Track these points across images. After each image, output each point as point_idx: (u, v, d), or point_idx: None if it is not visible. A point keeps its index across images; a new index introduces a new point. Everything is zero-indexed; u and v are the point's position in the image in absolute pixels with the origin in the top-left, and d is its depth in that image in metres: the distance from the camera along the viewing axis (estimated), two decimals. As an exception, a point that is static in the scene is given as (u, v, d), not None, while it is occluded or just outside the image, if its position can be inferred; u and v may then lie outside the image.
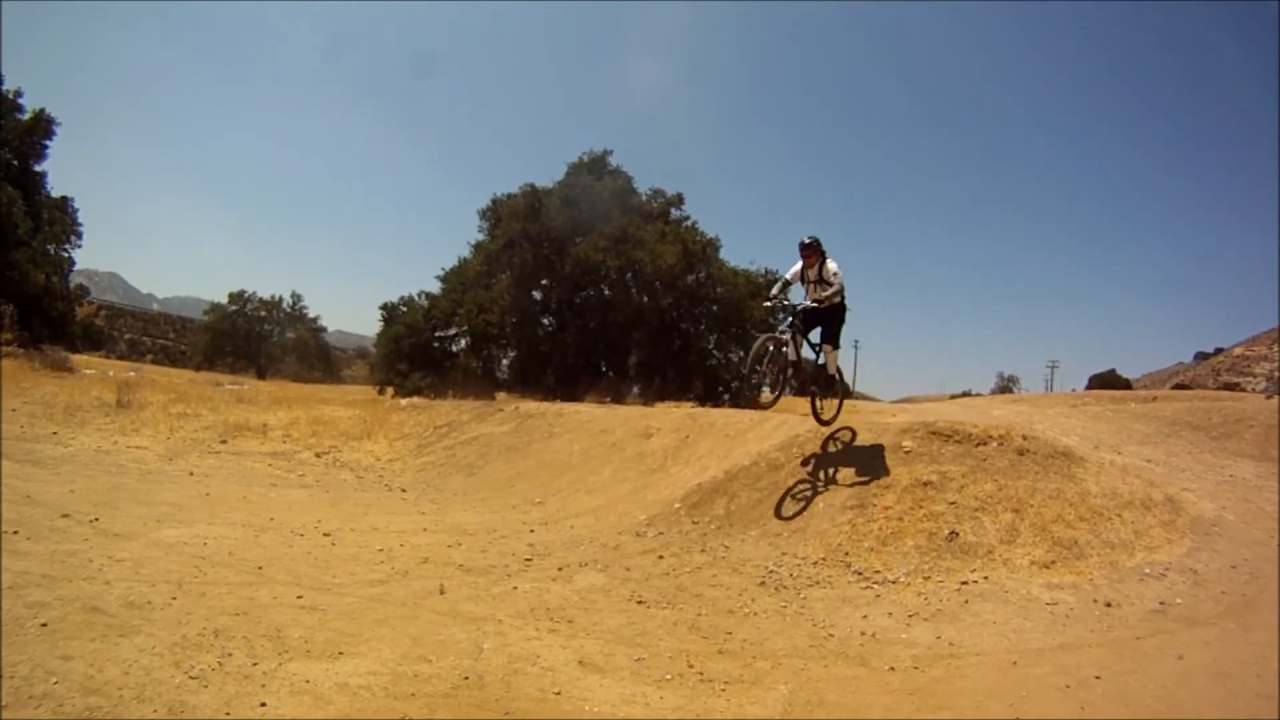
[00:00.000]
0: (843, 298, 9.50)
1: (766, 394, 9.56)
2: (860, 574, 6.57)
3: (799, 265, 9.55)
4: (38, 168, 29.43)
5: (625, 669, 4.79)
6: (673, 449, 11.08)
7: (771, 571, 6.81)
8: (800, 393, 10.24)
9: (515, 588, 6.32)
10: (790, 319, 9.60)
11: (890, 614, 5.86)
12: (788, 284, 9.71)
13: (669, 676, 4.70)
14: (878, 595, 6.20)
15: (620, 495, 9.91)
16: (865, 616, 5.83)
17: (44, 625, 4.49)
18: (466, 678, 4.44)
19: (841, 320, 9.80)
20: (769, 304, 9.93)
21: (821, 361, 9.89)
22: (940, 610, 5.88)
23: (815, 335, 9.86)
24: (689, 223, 30.08)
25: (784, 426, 10.31)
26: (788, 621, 5.79)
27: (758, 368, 9.21)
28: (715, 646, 5.26)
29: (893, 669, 4.97)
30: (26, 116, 28.98)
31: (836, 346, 9.88)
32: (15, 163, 28.37)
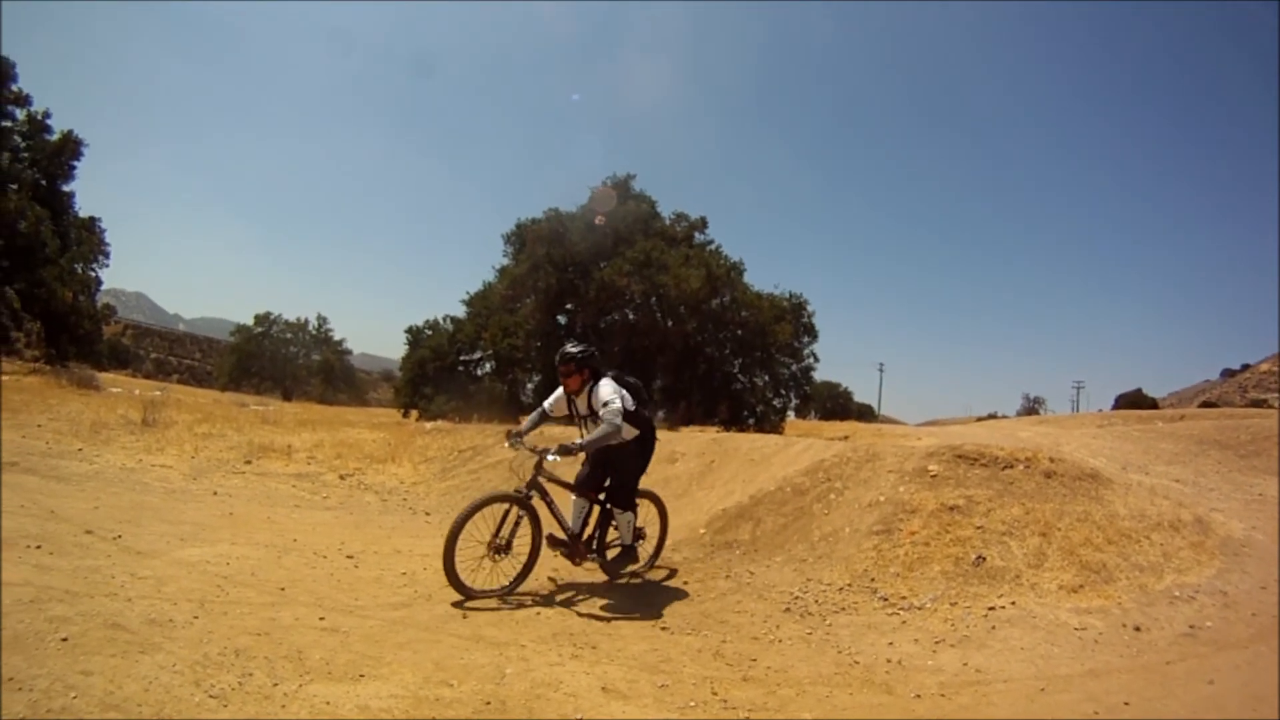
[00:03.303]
0: (648, 430, 7.40)
1: (479, 571, 6.63)
2: (886, 600, 6.53)
3: (560, 391, 7.32)
4: (65, 188, 30.10)
5: (649, 696, 4.74)
6: (697, 474, 11.06)
7: (797, 598, 6.76)
8: (577, 563, 7.30)
9: (538, 613, 6.30)
10: (537, 466, 6.95)
11: (916, 640, 5.81)
12: (545, 418, 7.38)
13: (693, 703, 4.66)
14: (904, 621, 6.16)
15: (643, 520, 9.83)
16: (891, 643, 5.78)
17: (65, 640, 4.50)
18: (489, 703, 4.41)
19: (638, 465, 7.46)
20: (511, 444, 7.11)
21: (614, 524, 7.41)
22: (967, 636, 5.83)
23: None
24: (713, 247, 30.23)
25: (809, 451, 10.28)
26: (813, 648, 5.75)
27: (499, 540, 6.70)
28: (739, 674, 5.22)
29: (919, 696, 4.93)
30: (55, 137, 29.64)
31: (628, 507, 7.33)
32: (44, 182, 29.04)
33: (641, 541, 7.64)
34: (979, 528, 7.31)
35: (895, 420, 69.09)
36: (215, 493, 11.00)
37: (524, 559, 6.85)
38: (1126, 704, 4.77)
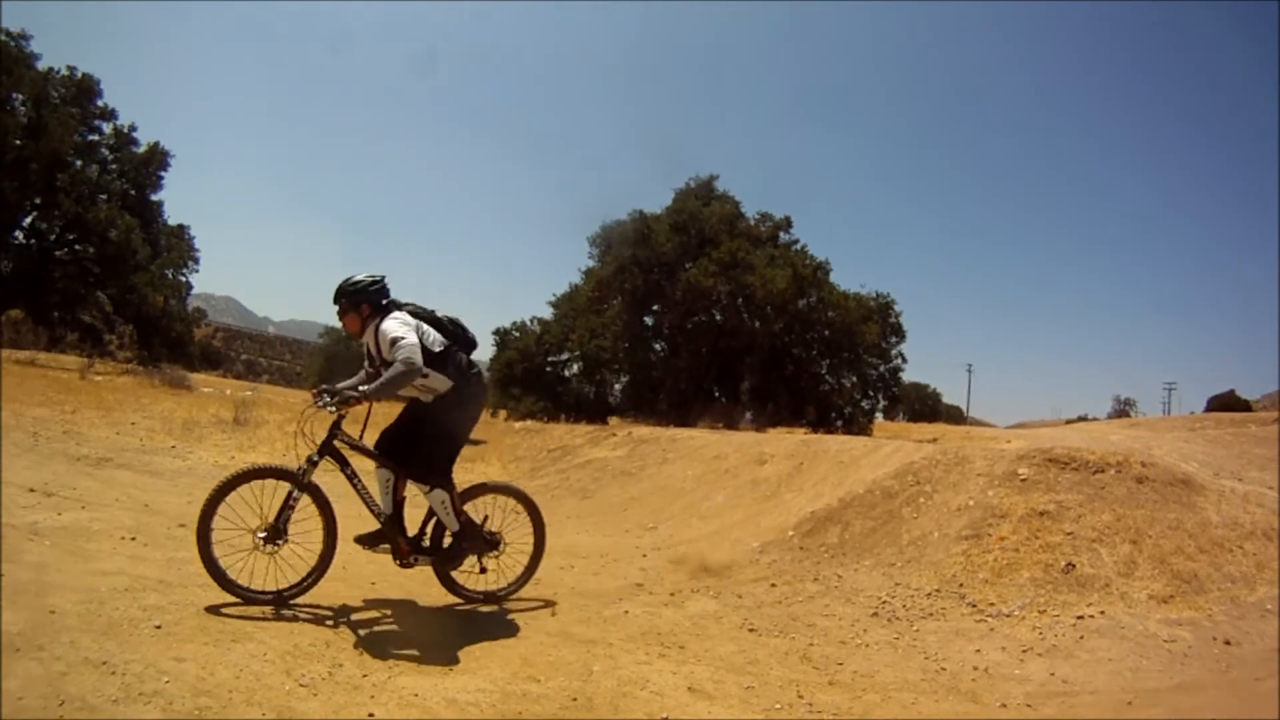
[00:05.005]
0: (460, 379, 5.98)
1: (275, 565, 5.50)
2: (974, 606, 6.47)
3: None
4: (154, 197, 31.84)
5: (734, 697, 4.77)
6: (786, 476, 11.05)
7: (884, 602, 6.74)
8: (403, 563, 5.97)
9: (627, 611, 6.37)
10: (332, 427, 5.86)
11: (1004, 648, 5.75)
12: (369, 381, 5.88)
13: (778, 706, 4.67)
14: (991, 629, 6.09)
15: (733, 521, 9.94)
16: (978, 650, 5.73)
17: (158, 627, 4.65)
18: (575, 699, 4.47)
19: (452, 428, 6.10)
20: (317, 403, 5.86)
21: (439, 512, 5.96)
22: (1055, 646, 5.74)
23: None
24: (798, 246, 30.06)
25: (898, 453, 10.23)
26: (899, 654, 5.73)
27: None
28: (826, 677, 5.22)
29: (1004, 705, 4.89)
30: (142, 149, 31.25)
31: (434, 483, 5.86)
32: (133, 192, 30.80)
33: (498, 551, 6.26)
34: (1069, 534, 7.19)
35: (984, 422, 67.77)
36: (307, 488, 11.28)
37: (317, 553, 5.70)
38: (1214, 721, 4.67)
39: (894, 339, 29.70)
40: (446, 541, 6.03)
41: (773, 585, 7.36)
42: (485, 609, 6.10)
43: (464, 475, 14.18)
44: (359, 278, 5.91)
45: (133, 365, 28.84)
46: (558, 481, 14.14)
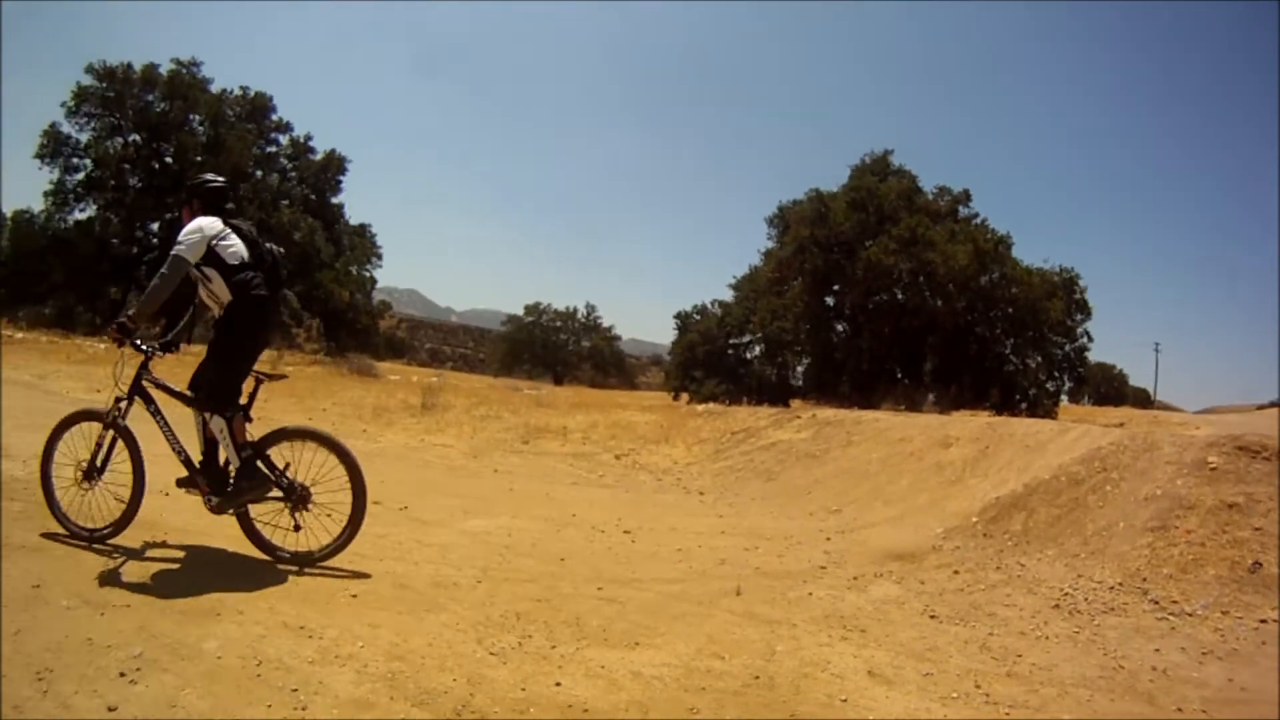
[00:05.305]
0: (241, 294, 5.40)
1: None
2: (1157, 603, 6.31)
3: None
4: (335, 200, 35.13)
5: (912, 683, 4.81)
6: (971, 460, 10.97)
7: (1066, 594, 6.63)
8: (210, 507, 5.56)
9: (810, 593, 6.46)
10: (140, 367, 5.59)
11: (1184, 649, 5.59)
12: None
13: (955, 695, 4.71)
14: (1173, 628, 5.95)
15: (917, 506, 9.96)
16: (1158, 650, 5.58)
17: (354, 596, 5.01)
18: (757, 677, 4.57)
19: (230, 348, 5.57)
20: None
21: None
22: (1236, 650, 5.56)
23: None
24: (978, 220, 29.39)
25: (1085, 438, 10.03)
26: (1079, 648, 5.65)
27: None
28: (1004, 668, 5.21)
29: (1180, 710, 4.78)
30: (319, 157, 34.46)
31: (217, 409, 5.42)
32: (313, 197, 34.02)
33: (305, 506, 5.70)
34: (1257, 529, 6.92)
35: (1171, 407, 64.02)
36: (495, 470, 11.82)
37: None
38: (1396, 742, 4.50)
39: (1079, 316, 28.71)
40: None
41: (955, 572, 7.34)
42: (672, 587, 6.31)
43: (649, 457, 14.67)
44: (205, 175, 5.92)
45: (321, 356, 31.03)
46: (742, 464, 14.32)
